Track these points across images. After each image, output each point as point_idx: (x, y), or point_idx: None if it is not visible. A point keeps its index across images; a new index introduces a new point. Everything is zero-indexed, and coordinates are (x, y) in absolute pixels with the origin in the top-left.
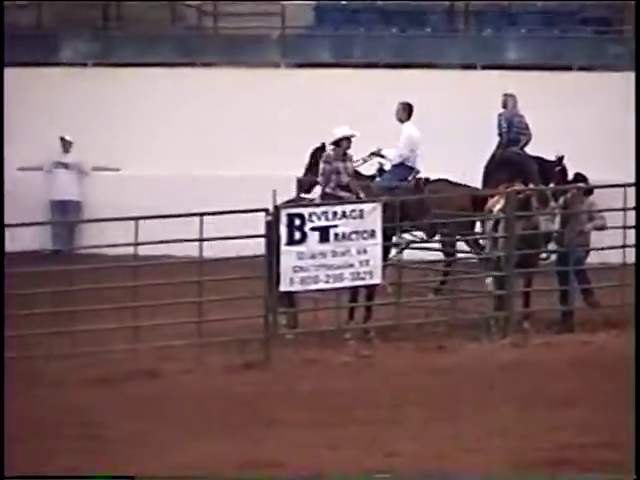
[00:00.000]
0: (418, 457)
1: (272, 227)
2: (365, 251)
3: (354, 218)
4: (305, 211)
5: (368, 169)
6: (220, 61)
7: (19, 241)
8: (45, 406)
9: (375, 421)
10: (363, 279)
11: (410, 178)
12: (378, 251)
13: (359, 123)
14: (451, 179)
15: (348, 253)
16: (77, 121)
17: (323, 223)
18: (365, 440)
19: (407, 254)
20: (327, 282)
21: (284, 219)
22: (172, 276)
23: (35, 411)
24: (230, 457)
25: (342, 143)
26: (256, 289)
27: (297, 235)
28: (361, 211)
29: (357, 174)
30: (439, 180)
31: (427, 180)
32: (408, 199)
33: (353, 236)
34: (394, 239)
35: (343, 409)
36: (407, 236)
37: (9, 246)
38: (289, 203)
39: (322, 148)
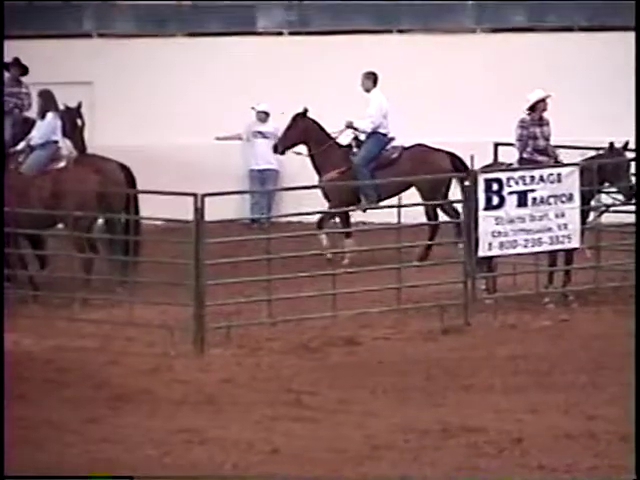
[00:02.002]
0: (619, 421)
1: (470, 192)
2: (563, 215)
3: (552, 182)
4: (503, 176)
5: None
6: (415, 28)
7: (218, 211)
8: (247, 372)
9: (575, 385)
10: (561, 243)
11: (388, 147)
12: (576, 215)
13: (554, 87)
14: (428, 144)
15: (546, 217)
16: (273, 90)
17: (521, 187)
18: (566, 404)
19: (605, 217)
20: (525, 246)
21: (482, 184)
22: (370, 243)
23: (237, 377)
24: (432, 423)
25: (538, 107)
26: (454, 255)
27: (495, 200)
28: (559, 175)
29: (336, 144)
30: (417, 145)
31: (403, 147)
32: (606, 162)
33: (551, 200)
34: (592, 202)
35: (543, 374)
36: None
37: (210, 215)
38: (487, 168)
39: (303, 114)
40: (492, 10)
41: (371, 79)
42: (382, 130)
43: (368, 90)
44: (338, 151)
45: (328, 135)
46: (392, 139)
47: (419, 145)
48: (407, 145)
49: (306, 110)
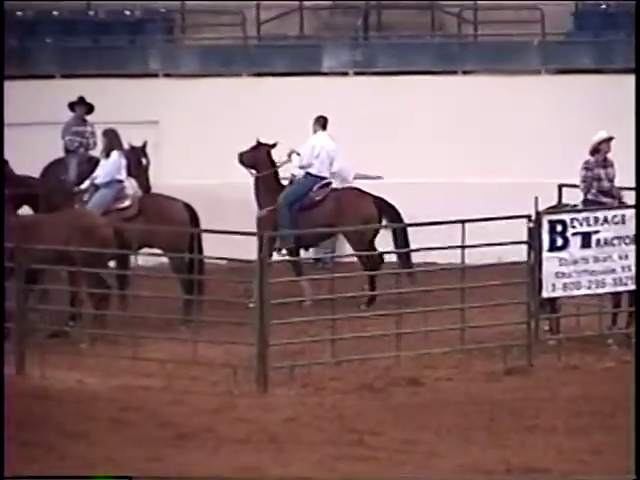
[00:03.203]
0: None
1: (534, 233)
2: (627, 256)
3: (616, 224)
4: (567, 217)
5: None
6: (480, 69)
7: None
8: (310, 412)
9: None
10: (625, 284)
11: (315, 188)
12: None
13: (619, 129)
14: (361, 188)
15: (610, 259)
16: (340, 130)
17: (585, 229)
18: (629, 446)
19: None
20: (589, 288)
21: (546, 225)
22: (435, 283)
23: (300, 416)
24: (496, 463)
25: (601, 148)
26: (518, 295)
27: (559, 241)
28: (623, 216)
29: (279, 185)
30: (347, 188)
31: (333, 189)
32: None
33: (615, 241)
34: None
35: (606, 415)
36: None
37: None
38: (551, 209)
39: (263, 143)
40: (558, 51)
41: (320, 123)
42: (312, 171)
43: (316, 132)
44: (276, 189)
45: (273, 165)
46: (328, 183)
47: (350, 188)
48: (339, 187)
49: (274, 144)
